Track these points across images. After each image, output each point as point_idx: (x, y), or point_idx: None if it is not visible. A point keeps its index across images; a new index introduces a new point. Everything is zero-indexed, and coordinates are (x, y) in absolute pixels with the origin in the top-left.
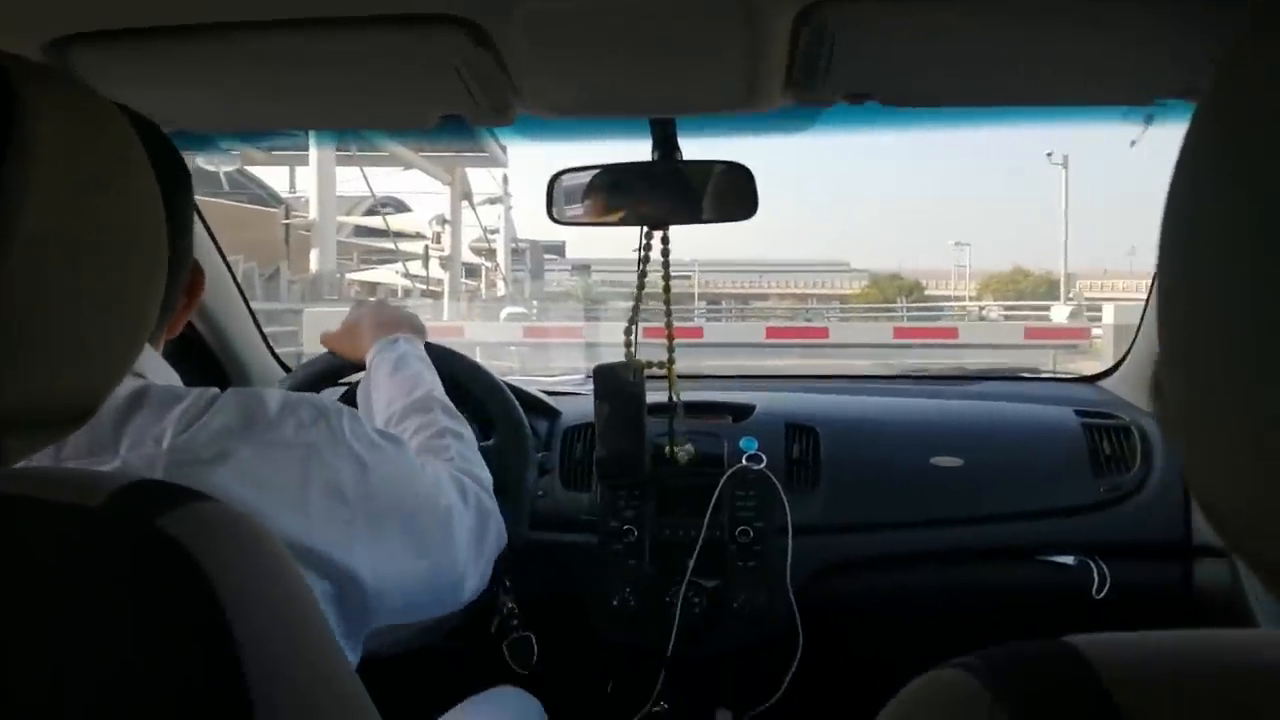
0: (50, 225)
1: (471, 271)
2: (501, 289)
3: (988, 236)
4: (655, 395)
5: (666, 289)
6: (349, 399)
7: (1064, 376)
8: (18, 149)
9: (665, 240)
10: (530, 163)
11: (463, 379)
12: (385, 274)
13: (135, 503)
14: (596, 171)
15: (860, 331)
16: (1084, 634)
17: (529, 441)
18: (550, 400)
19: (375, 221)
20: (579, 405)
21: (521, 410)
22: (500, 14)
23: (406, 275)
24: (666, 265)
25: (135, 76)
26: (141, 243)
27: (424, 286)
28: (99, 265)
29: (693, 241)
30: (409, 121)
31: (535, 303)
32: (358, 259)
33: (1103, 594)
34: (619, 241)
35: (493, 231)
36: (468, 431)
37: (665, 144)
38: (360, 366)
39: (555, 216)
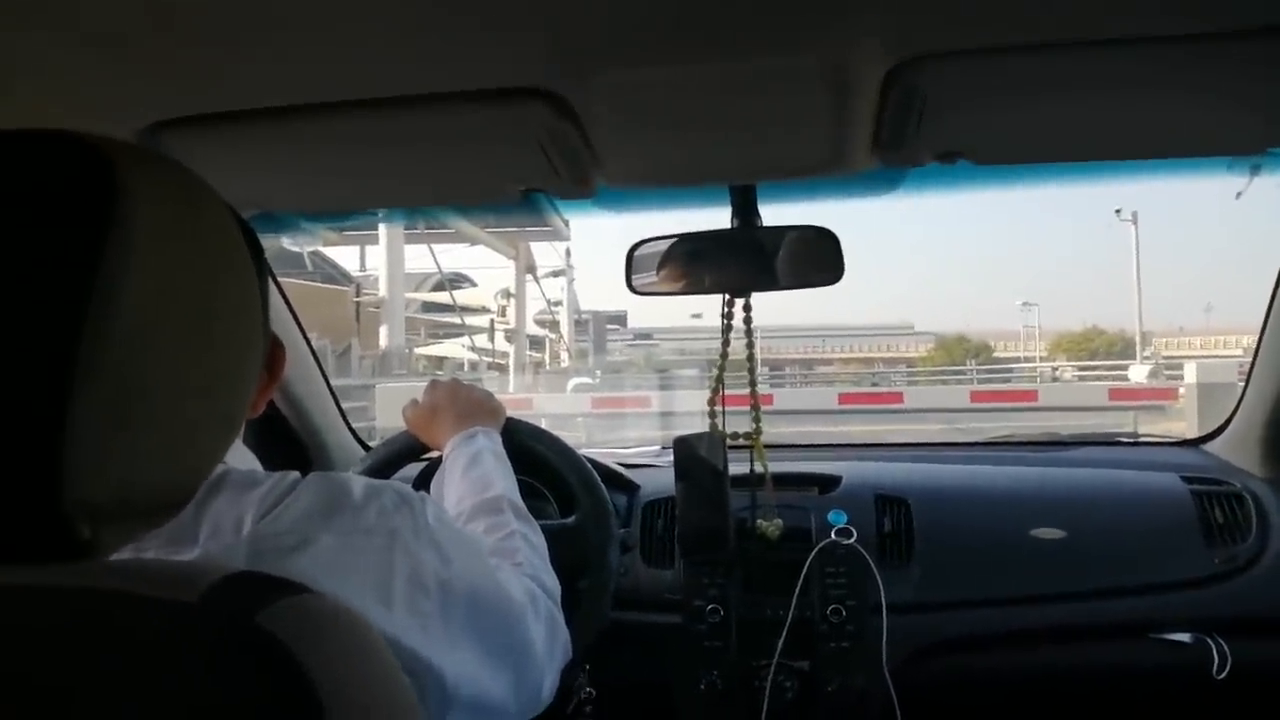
0: (151, 310)
1: (536, 343)
2: (565, 360)
3: (1055, 297)
4: (735, 467)
5: (751, 357)
6: (426, 477)
7: (1165, 440)
8: (118, 233)
9: (748, 308)
10: (592, 235)
11: (543, 454)
12: (452, 348)
13: (233, 597)
14: (675, 240)
15: (935, 396)
16: None
17: (612, 518)
18: (628, 473)
19: (442, 297)
20: (657, 478)
21: (603, 485)
22: (583, 86)
23: (473, 349)
24: (750, 333)
25: (226, 160)
26: (239, 326)
27: (490, 359)
28: (198, 350)
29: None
30: (492, 197)
31: (599, 373)
32: (425, 334)
33: (1224, 674)
34: (680, 309)
35: (556, 303)
36: (538, 537)
37: (745, 209)
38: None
39: (635, 287)
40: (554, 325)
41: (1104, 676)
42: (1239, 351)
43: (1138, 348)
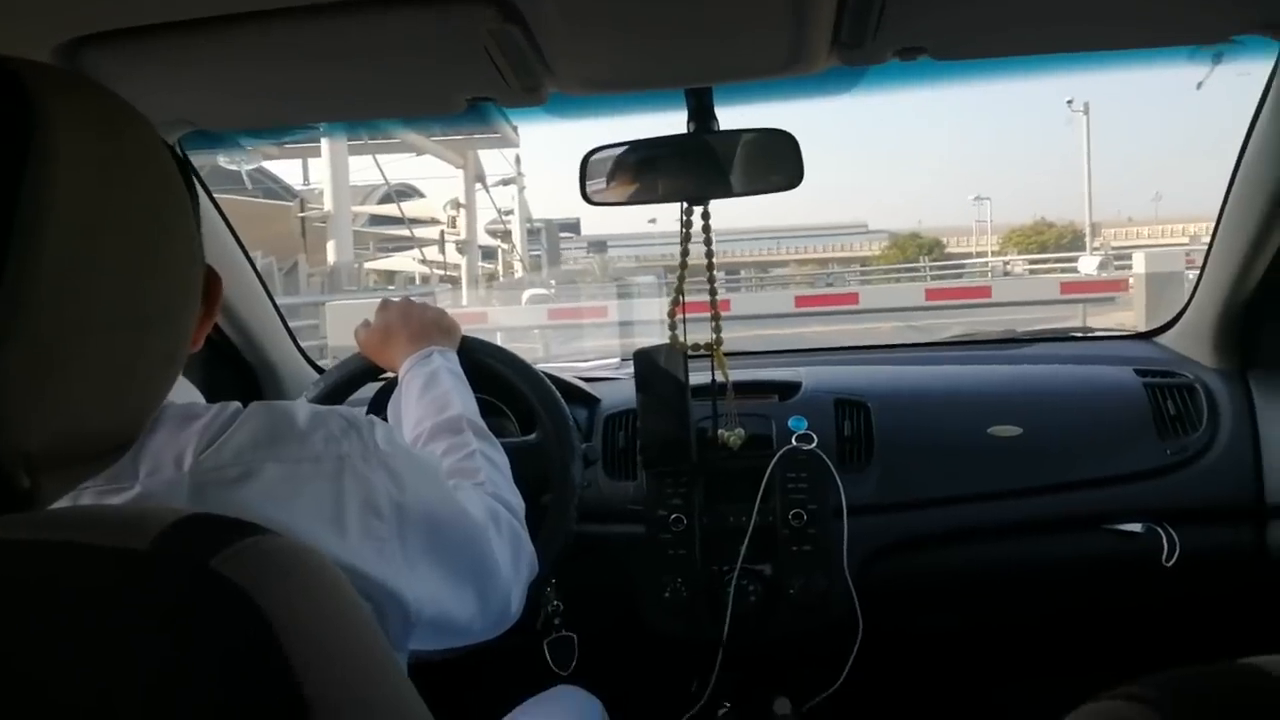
0: (77, 244)
1: (488, 254)
2: (519, 271)
3: (1007, 190)
4: (696, 376)
5: (710, 266)
6: (382, 399)
7: (1119, 334)
8: (38, 160)
9: (706, 215)
10: (542, 141)
11: (500, 371)
12: (402, 261)
13: (186, 542)
14: (630, 147)
15: (890, 295)
16: (1267, 655)
17: (573, 433)
18: (588, 387)
19: (390, 209)
20: (618, 390)
21: (563, 401)
22: None
23: (424, 261)
24: (709, 242)
25: (151, 76)
26: (173, 257)
27: (442, 272)
28: (131, 283)
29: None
30: (437, 107)
31: (554, 283)
32: (374, 248)
33: (1173, 561)
34: (634, 216)
35: (507, 213)
36: (500, 455)
37: (701, 114)
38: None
39: (589, 197)
40: (506, 235)
41: (1059, 568)
42: (1185, 240)
43: (1087, 239)
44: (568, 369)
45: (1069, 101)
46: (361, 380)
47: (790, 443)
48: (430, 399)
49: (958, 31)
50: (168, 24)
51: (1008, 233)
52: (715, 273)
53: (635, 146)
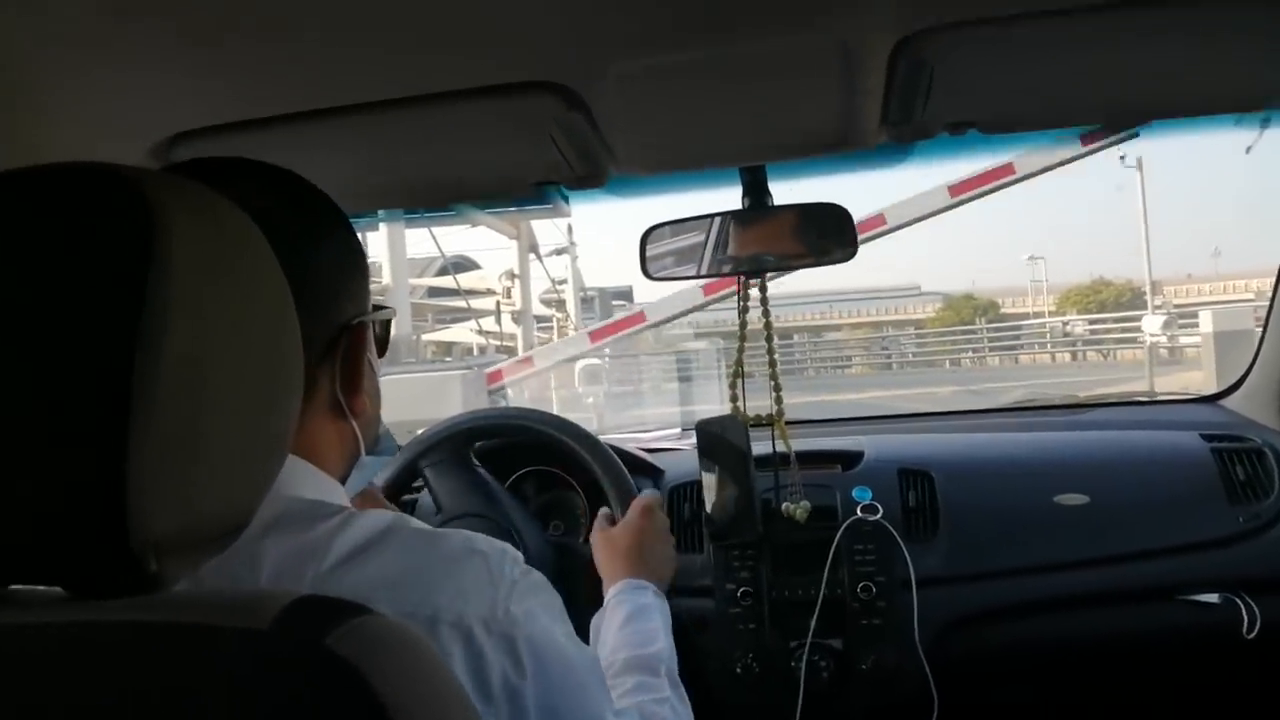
0: (195, 338)
1: (543, 323)
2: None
3: (1061, 250)
4: (758, 447)
5: (769, 337)
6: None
7: (1182, 398)
8: (159, 265)
9: (764, 288)
10: (593, 211)
11: (567, 444)
12: (460, 332)
13: (301, 622)
14: (688, 223)
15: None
16: None
17: (624, 471)
18: (651, 458)
19: (446, 281)
20: (681, 462)
21: (628, 474)
22: (594, 77)
23: (480, 332)
24: (767, 313)
25: None
26: (279, 343)
27: (498, 342)
28: (243, 372)
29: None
30: (505, 191)
31: (608, 351)
32: (432, 319)
33: (1254, 633)
34: (688, 282)
35: (560, 282)
36: (686, 710)
37: (756, 190)
38: None
39: (649, 272)
40: (560, 304)
41: (1134, 640)
42: (1251, 295)
43: (1148, 297)
44: (630, 439)
45: (1122, 157)
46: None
47: (855, 514)
48: (634, 630)
49: (1004, 106)
50: (253, 120)
51: (1064, 292)
52: (757, 335)
53: (693, 222)
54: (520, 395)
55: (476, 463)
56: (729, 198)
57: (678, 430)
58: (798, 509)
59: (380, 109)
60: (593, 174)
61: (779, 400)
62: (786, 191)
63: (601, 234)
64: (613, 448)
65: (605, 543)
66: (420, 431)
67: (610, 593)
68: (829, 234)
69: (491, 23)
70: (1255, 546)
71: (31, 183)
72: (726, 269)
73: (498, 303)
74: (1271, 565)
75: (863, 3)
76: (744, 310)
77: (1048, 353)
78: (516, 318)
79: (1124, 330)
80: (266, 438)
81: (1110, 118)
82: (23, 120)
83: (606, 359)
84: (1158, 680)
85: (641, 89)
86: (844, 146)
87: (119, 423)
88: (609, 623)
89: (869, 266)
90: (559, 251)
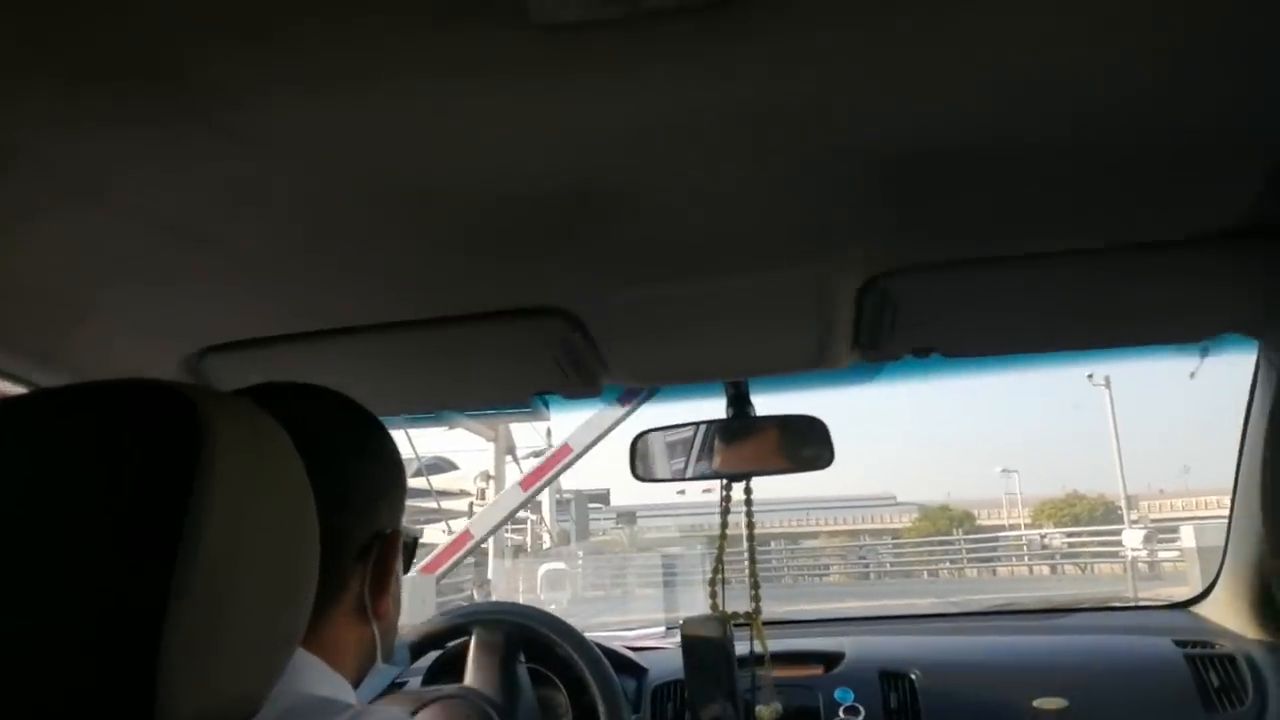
0: (230, 539)
1: (518, 526)
2: (547, 542)
3: (1034, 462)
4: (740, 646)
5: (750, 538)
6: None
7: (1155, 605)
8: (204, 473)
9: (748, 490)
10: (571, 415)
11: (553, 640)
12: (431, 533)
13: None
14: (675, 430)
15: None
16: None
17: (625, 709)
18: (634, 656)
19: (420, 483)
20: (664, 660)
21: (613, 672)
22: (595, 303)
23: (450, 533)
24: (749, 515)
25: (261, 379)
26: (301, 547)
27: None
28: (268, 572)
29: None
30: (507, 400)
31: (581, 554)
32: (406, 520)
33: None
34: (663, 487)
35: None
36: None
37: (739, 401)
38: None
39: (639, 474)
40: (536, 506)
41: None
42: (1225, 511)
43: (1124, 511)
44: (615, 638)
45: (1089, 376)
46: (435, 643)
47: (838, 715)
48: None
49: (964, 334)
50: (274, 337)
51: (1038, 505)
52: (736, 541)
53: (679, 429)
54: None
55: (521, 658)
56: (714, 406)
57: (662, 629)
58: (767, 710)
59: (398, 328)
60: (588, 385)
61: (757, 599)
62: (766, 402)
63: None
64: (597, 645)
65: None
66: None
67: None
68: (806, 443)
69: (509, 256)
70: None
71: (93, 394)
72: (711, 473)
73: (470, 504)
74: None
75: (833, 250)
76: (726, 512)
77: (1025, 565)
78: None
79: (1102, 544)
80: (281, 633)
81: (1060, 346)
82: (71, 339)
83: (580, 559)
84: None
85: (636, 314)
86: (818, 366)
87: (157, 613)
88: None
89: (845, 475)
90: (536, 454)
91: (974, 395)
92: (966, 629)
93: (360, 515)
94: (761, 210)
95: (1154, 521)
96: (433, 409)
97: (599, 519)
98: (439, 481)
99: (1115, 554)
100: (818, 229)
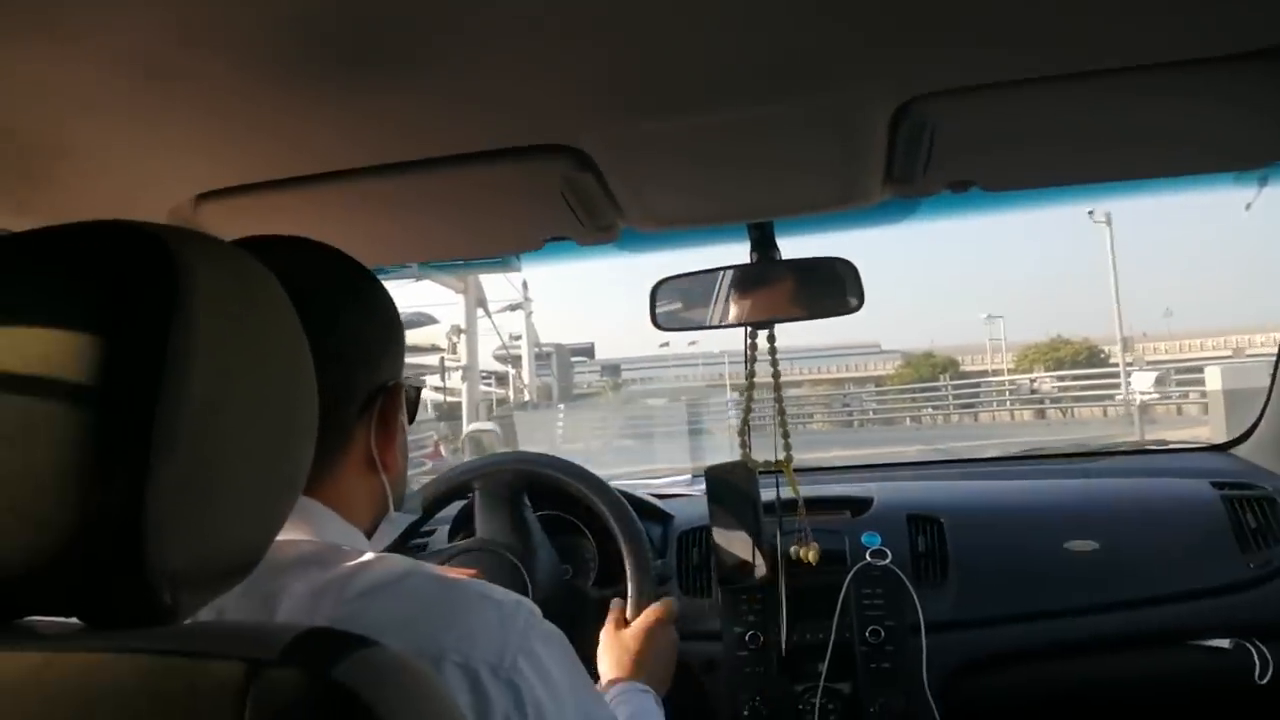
0: (215, 384)
1: (502, 380)
2: (527, 395)
3: (1017, 307)
4: (766, 493)
5: (777, 386)
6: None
7: (1193, 446)
8: (182, 315)
9: (772, 339)
10: (547, 268)
11: (577, 488)
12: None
13: (307, 653)
14: (698, 277)
15: None
16: None
17: (648, 552)
18: (660, 504)
19: None
20: (690, 507)
21: (638, 518)
22: (603, 139)
23: (429, 389)
24: (775, 363)
25: (262, 227)
26: (295, 393)
27: (441, 398)
28: (260, 418)
29: (717, 334)
30: (519, 246)
31: (562, 407)
32: None
33: (1266, 678)
34: (649, 340)
35: (516, 337)
36: None
37: (764, 244)
38: None
39: (659, 323)
40: (516, 360)
41: (1145, 685)
42: (1229, 353)
43: (1119, 354)
44: (640, 485)
45: (1090, 212)
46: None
47: (864, 559)
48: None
49: (1004, 165)
50: (272, 181)
51: (1022, 350)
52: (720, 391)
53: (701, 276)
54: None
55: (527, 503)
56: (738, 252)
57: (689, 476)
58: (809, 551)
59: (396, 170)
60: (604, 230)
61: (787, 447)
62: (794, 245)
63: (562, 286)
64: (623, 493)
65: (616, 641)
66: (476, 459)
67: (612, 691)
68: (835, 287)
69: (505, 88)
70: (1265, 592)
71: (63, 239)
72: (734, 320)
73: (442, 359)
74: None
75: (863, 71)
76: (752, 360)
77: (1007, 410)
78: (465, 374)
79: (1097, 388)
80: (279, 480)
81: (1108, 175)
82: (47, 182)
83: (560, 413)
84: None
85: (649, 150)
86: (848, 204)
87: (140, 461)
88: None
89: (829, 324)
90: (513, 307)
91: (958, 239)
92: (998, 474)
93: (358, 368)
94: (781, 27)
95: (1149, 364)
96: (440, 256)
97: (583, 372)
98: (414, 336)
99: (1111, 398)
100: (845, 47)
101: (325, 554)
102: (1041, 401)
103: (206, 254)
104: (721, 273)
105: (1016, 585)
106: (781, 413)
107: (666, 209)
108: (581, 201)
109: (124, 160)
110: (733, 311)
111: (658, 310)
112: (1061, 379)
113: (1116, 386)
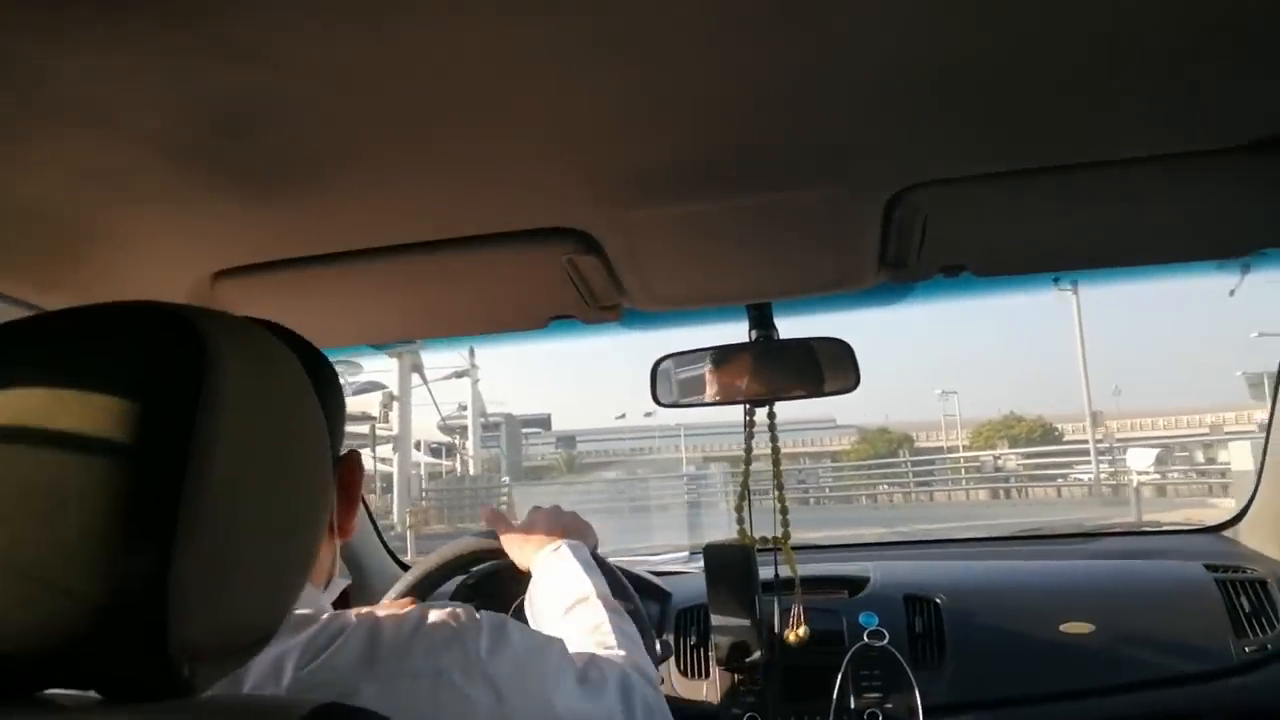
0: (238, 464)
1: (449, 451)
2: (473, 468)
3: (971, 381)
4: (763, 570)
5: (776, 463)
6: (481, 586)
7: (1186, 529)
8: (209, 398)
9: (771, 415)
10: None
11: None
12: None
13: None
14: (697, 355)
15: None
16: None
17: (650, 633)
18: (658, 581)
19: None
20: (687, 585)
21: (638, 596)
22: (610, 224)
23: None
24: (774, 440)
25: (277, 304)
26: (312, 471)
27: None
28: (279, 497)
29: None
30: (524, 324)
31: (508, 480)
32: None
33: None
34: (606, 412)
35: (464, 407)
36: (631, 628)
37: (762, 323)
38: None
39: (660, 400)
40: (462, 430)
41: None
42: (1205, 430)
43: (1089, 430)
44: (639, 562)
45: (1055, 279)
46: (461, 567)
47: (862, 639)
48: (558, 583)
49: (995, 251)
50: (284, 261)
51: (977, 427)
52: (675, 465)
53: (701, 353)
54: None
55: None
56: (738, 331)
57: (686, 554)
58: (794, 634)
59: (405, 251)
60: (608, 310)
61: (785, 524)
62: (791, 325)
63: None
64: (620, 569)
65: (509, 540)
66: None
67: (532, 567)
68: (831, 366)
69: (513, 174)
70: (1260, 678)
71: (96, 319)
72: (734, 398)
73: (373, 426)
74: (1276, 697)
75: (859, 163)
76: (750, 437)
77: (962, 490)
78: (394, 445)
79: (1065, 465)
80: (295, 555)
81: (1097, 262)
82: (75, 262)
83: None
84: None
85: (653, 235)
86: (844, 287)
87: (166, 536)
88: (538, 590)
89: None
90: (459, 374)
91: (911, 311)
92: (993, 554)
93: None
94: (781, 121)
95: (1119, 441)
96: (447, 333)
97: (537, 444)
98: (355, 404)
99: (1080, 477)
100: (843, 140)
101: (292, 621)
102: (1008, 480)
103: (232, 336)
104: (720, 350)
105: (1013, 667)
106: (779, 488)
107: (669, 290)
108: (586, 282)
109: (149, 240)
110: (732, 389)
111: (658, 387)
112: (1028, 455)
113: (1085, 464)
